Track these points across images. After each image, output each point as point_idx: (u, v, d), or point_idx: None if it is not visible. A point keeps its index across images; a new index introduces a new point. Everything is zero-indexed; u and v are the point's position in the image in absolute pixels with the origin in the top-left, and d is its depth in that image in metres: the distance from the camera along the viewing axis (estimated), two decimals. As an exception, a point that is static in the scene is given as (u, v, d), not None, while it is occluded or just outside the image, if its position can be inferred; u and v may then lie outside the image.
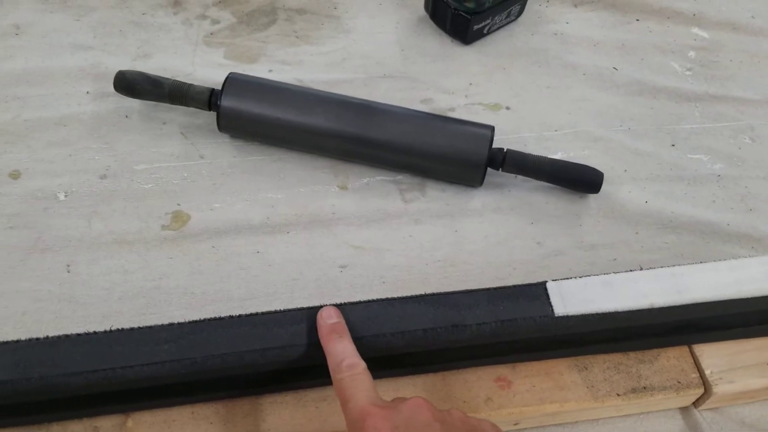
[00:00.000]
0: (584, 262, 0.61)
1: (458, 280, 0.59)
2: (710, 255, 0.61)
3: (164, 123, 0.69)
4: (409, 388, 0.50)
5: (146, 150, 0.67)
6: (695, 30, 0.82)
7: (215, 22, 0.79)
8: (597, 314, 0.47)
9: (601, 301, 0.47)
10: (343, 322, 0.45)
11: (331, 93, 0.66)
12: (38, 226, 0.60)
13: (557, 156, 0.68)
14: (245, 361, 0.43)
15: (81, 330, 0.44)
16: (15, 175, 0.63)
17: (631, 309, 0.47)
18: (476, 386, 0.50)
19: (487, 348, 0.48)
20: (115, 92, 0.67)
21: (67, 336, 0.43)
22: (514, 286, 0.48)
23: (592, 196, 0.66)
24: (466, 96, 0.74)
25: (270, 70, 0.75)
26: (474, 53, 0.79)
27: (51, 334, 0.44)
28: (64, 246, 0.59)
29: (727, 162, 0.70)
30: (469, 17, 0.76)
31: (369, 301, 0.45)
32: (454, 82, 0.75)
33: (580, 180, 0.64)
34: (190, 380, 0.44)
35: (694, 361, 0.53)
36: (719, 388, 0.51)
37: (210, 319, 0.44)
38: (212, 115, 0.67)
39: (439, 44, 0.80)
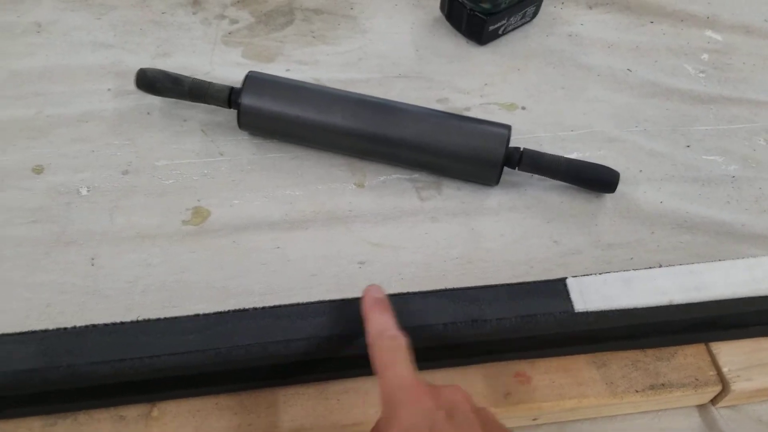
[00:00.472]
0: (601, 261, 0.61)
1: (475, 278, 0.60)
2: (725, 255, 0.62)
3: (185, 120, 0.70)
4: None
5: (167, 146, 0.68)
6: (709, 33, 0.83)
7: (234, 21, 0.80)
8: (616, 310, 0.47)
9: (620, 298, 0.48)
10: (387, 300, 0.44)
11: (349, 92, 0.67)
12: (61, 220, 0.61)
13: (573, 156, 0.69)
14: (269, 352, 0.43)
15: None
16: (38, 170, 0.64)
17: (649, 306, 0.48)
18: (496, 381, 0.50)
19: (507, 343, 0.49)
20: (136, 90, 0.68)
21: (94, 326, 0.43)
22: (534, 282, 0.49)
23: (608, 196, 0.66)
24: (481, 96, 0.75)
25: (287, 70, 0.76)
26: (489, 54, 0.80)
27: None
28: (87, 240, 0.60)
29: (741, 164, 0.70)
30: (485, 18, 0.76)
31: (389, 296, 0.46)
32: (470, 82, 0.76)
33: (596, 179, 0.65)
34: (215, 370, 0.45)
35: (711, 358, 0.53)
36: (737, 386, 0.51)
37: (234, 311, 0.45)
38: (232, 112, 0.68)
39: (454, 45, 0.80)
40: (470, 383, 0.50)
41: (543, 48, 0.81)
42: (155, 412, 0.47)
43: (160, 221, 0.62)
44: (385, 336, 0.41)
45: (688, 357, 0.53)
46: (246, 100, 0.65)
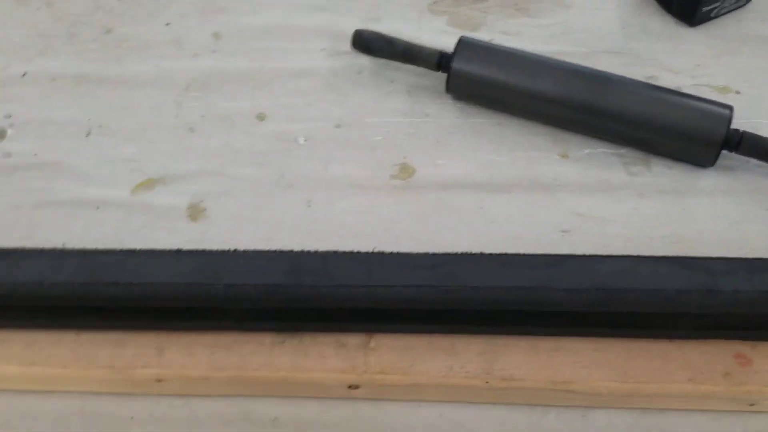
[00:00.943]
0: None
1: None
2: None
3: (392, 81, 0.73)
4: (643, 353, 0.49)
5: (376, 105, 0.70)
6: None
7: (440, -9, 0.81)
8: None
9: None
10: None
11: (561, 60, 0.66)
12: (281, 165, 0.65)
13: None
14: (495, 296, 0.45)
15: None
16: (261, 117, 0.69)
17: None
18: (715, 359, 0.49)
19: (731, 319, 0.47)
20: (348, 50, 0.71)
21: (335, 252, 0.46)
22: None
23: (833, 187, 0.62)
24: (692, 77, 0.72)
25: (491, 39, 0.76)
26: (700, 35, 0.77)
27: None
28: (304, 184, 0.64)
29: None
30: (700, -2, 0.74)
31: (619, 256, 0.46)
32: (680, 62, 0.74)
33: (824, 169, 0.61)
34: (435, 309, 0.46)
35: None
36: None
37: (465, 253, 0.47)
38: (438, 76, 0.70)
39: (662, 24, 0.78)
40: (687, 357, 0.49)
41: (757, 34, 0.77)
42: (372, 344, 0.50)
43: (370, 174, 0.65)
44: None
45: None
46: (457, 64, 0.66)
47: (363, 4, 0.80)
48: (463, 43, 0.67)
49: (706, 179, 0.63)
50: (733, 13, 0.79)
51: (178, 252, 0.46)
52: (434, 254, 0.47)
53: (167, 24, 0.78)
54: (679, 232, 0.60)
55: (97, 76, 0.72)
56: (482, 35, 0.77)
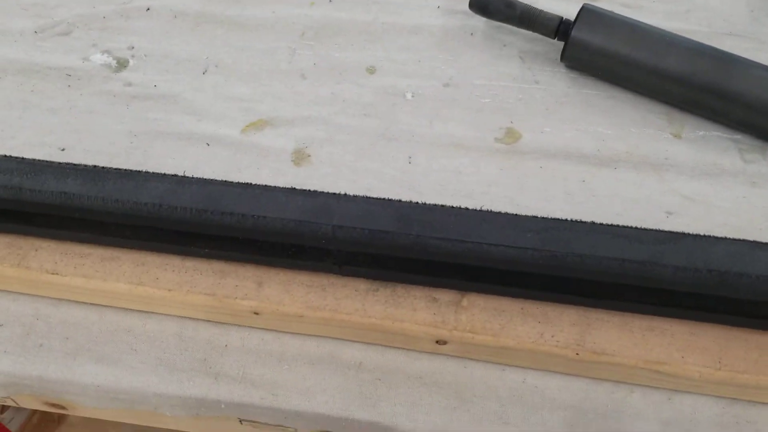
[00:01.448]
0: None
1: (797, 252, 0.55)
2: None
3: (504, 45, 0.72)
4: (740, 343, 0.48)
5: (486, 67, 0.70)
6: None
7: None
8: None
9: None
10: None
11: (685, 38, 0.64)
12: (387, 118, 0.66)
13: None
14: (601, 267, 0.44)
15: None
16: (371, 71, 0.69)
17: None
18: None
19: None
20: (462, 11, 0.70)
21: (442, 206, 0.47)
22: None
23: None
24: (822, 67, 0.68)
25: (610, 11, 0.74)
26: (836, 24, 0.72)
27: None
28: (407, 139, 0.64)
29: None
30: None
31: (735, 240, 0.44)
32: (810, 51, 0.69)
33: None
34: (537, 273, 0.46)
35: None
36: None
37: (574, 221, 0.46)
38: (552, 43, 0.68)
39: (796, 9, 0.73)
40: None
41: None
42: (465, 302, 0.50)
43: (475, 135, 0.64)
44: None
45: None
46: (577, 33, 0.65)
47: (481, -36, 0.79)
48: (586, 11, 0.65)
49: (828, 174, 0.60)
50: None
51: (292, 190, 0.47)
52: (543, 218, 0.46)
53: (287, -29, 0.79)
54: (793, 226, 0.57)
55: (217, 16, 0.74)
56: (601, 5, 0.75)
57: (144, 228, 0.49)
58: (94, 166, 0.50)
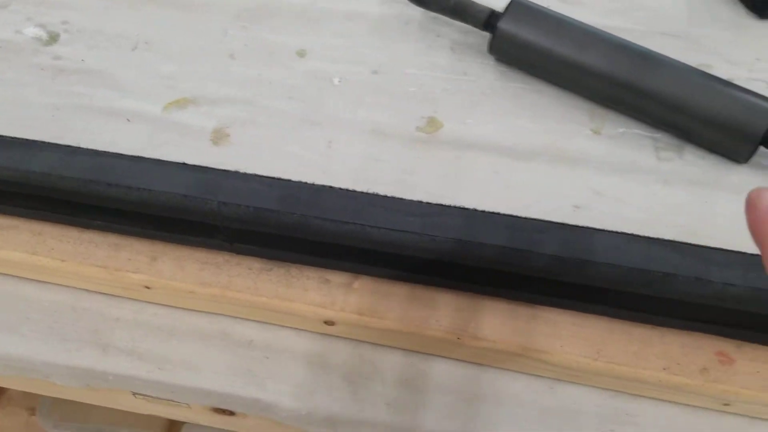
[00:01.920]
0: None
1: (697, 250, 0.56)
2: None
3: (438, 36, 0.72)
4: (623, 336, 0.49)
5: (417, 57, 0.70)
6: None
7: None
8: None
9: None
10: None
11: (611, 34, 0.64)
12: (312, 102, 0.66)
13: None
14: (481, 252, 0.45)
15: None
16: (301, 54, 0.70)
17: None
18: (693, 353, 0.48)
19: (713, 315, 0.46)
20: (401, 0, 0.71)
21: (331, 187, 0.47)
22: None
23: None
24: (749, 70, 0.69)
25: (548, 6, 0.74)
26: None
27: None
28: (329, 124, 0.64)
29: None
30: (779, -13, 0.69)
31: (614, 232, 0.45)
32: (739, 54, 0.70)
33: None
34: (421, 258, 0.47)
35: None
36: None
37: (456, 207, 0.47)
38: (484, 36, 0.69)
39: (731, 12, 0.74)
40: (667, 347, 0.48)
41: (833, 34, 0.72)
42: (356, 284, 0.51)
43: (397, 123, 0.65)
44: None
45: None
46: (504, 25, 0.65)
47: (425, -46, 0.79)
48: (514, 4, 0.66)
49: (736, 175, 0.61)
50: (815, 10, 0.74)
51: (183, 165, 0.48)
52: (427, 203, 0.47)
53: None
54: (696, 224, 0.58)
55: (153, -6, 0.74)
56: (541, 1, 0.75)
57: (38, 197, 0.49)
58: (-6, 136, 0.51)
